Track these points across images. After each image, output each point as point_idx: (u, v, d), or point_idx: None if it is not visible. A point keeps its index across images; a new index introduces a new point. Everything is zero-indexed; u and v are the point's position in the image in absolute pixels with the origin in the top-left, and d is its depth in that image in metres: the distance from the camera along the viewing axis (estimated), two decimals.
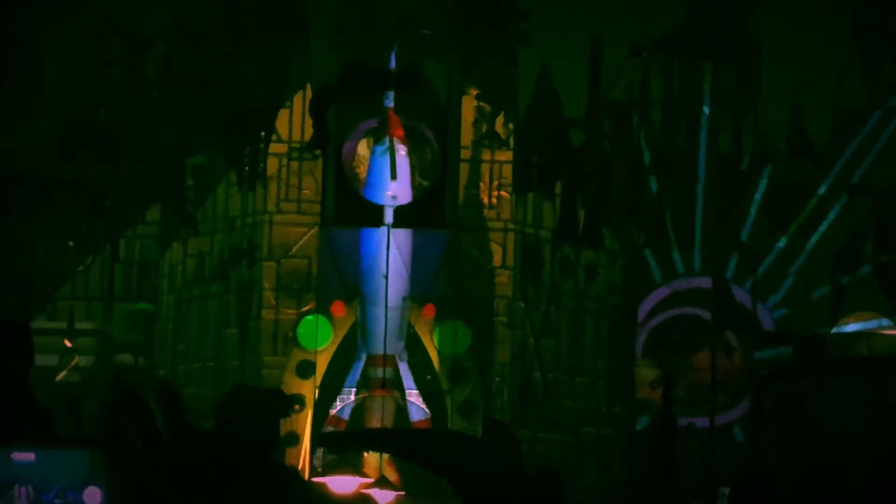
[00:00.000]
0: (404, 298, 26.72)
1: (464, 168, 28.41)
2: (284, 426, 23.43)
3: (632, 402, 27.43)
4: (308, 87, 28.66)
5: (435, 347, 26.69)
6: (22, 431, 6.78)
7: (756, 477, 10.21)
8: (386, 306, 26.25)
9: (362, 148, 27.88)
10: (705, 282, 27.97)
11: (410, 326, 26.71)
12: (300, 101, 28.73)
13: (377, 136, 27.48)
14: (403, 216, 27.39)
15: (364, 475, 22.09)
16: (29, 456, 7.35)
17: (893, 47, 30.72)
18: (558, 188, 28.75)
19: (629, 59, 30.31)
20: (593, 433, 27.60)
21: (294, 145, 28.45)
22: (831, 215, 30.07)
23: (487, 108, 28.60)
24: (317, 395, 26.18)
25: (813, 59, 31.73)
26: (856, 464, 13.50)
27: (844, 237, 29.14)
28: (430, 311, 26.72)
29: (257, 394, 7.23)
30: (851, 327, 26.95)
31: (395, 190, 26.98)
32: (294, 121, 28.59)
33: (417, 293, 26.93)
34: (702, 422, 26.34)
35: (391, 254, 26.56)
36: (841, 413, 14.28)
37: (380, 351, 26.19)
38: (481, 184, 28.41)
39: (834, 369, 16.65)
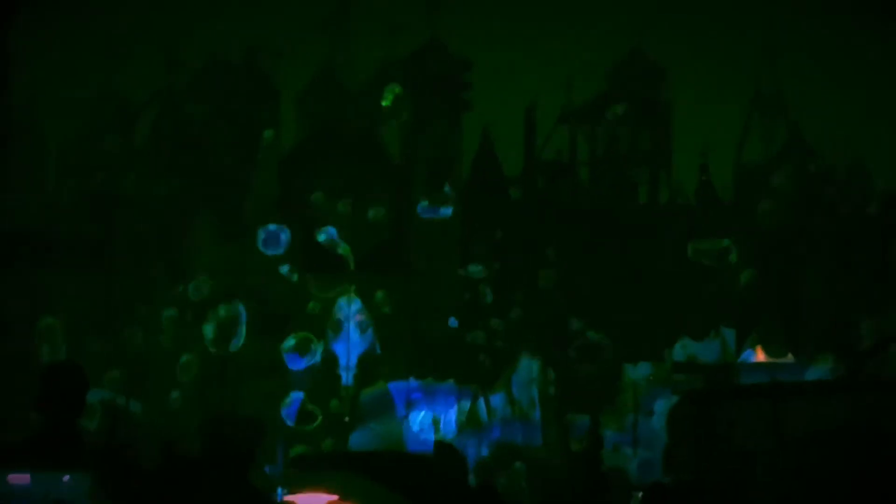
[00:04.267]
0: None
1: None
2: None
3: (564, 426, 27.52)
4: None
5: None
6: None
7: (665, 487, 10.33)
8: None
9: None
10: None
11: None
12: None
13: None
14: (363, 264, 27.50)
15: (330, 493, 22.07)
16: (24, 478, 6.70)
17: (786, 111, 31.09)
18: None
19: (559, 125, 30.59)
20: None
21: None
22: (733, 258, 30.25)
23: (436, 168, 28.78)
24: None
25: (719, 122, 32.02)
26: (761, 477, 13.67)
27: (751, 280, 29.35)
28: None
29: (234, 422, 7.20)
30: (757, 358, 27.15)
31: None
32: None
33: None
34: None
35: None
36: (747, 432, 14.42)
37: None
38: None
39: (740, 394, 16.78)
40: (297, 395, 27.05)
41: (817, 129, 31.20)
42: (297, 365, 27.00)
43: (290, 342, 26.83)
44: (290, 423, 26.80)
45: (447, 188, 28.82)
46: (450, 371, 27.59)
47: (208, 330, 26.70)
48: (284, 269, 27.79)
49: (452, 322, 28.35)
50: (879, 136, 31.99)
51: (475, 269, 28.82)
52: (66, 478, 6.51)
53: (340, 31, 30.53)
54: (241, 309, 26.80)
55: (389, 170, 29.34)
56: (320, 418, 27.08)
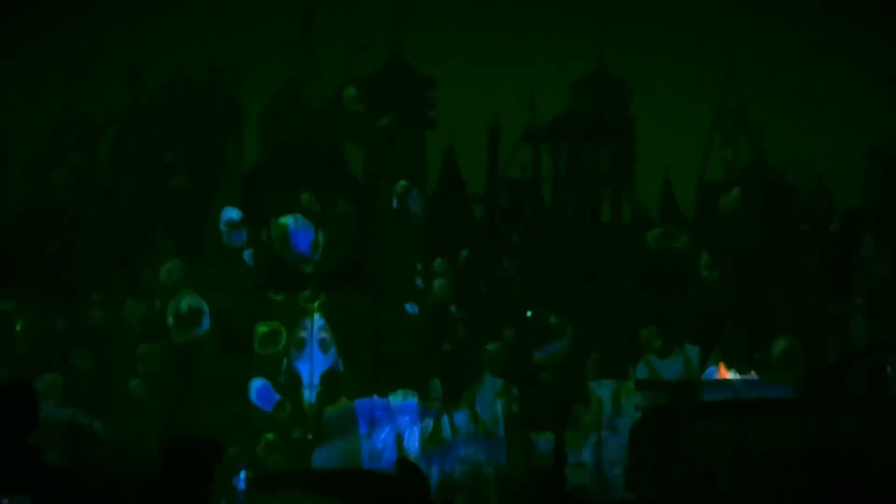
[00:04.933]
0: None
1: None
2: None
3: (528, 443, 27.56)
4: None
5: None
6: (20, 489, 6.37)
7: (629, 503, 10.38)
8: None
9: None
10: None
11: None
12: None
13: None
14: (325, 282, 27.53)
15: None
16: None
17: (748, 131, 31.25)
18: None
19: (522, 144, 30.66)
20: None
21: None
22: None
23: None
24: None
25: (682, 140, 32.19)
26: (721, 495, 13.73)
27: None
28: None
29: (193, 442, 7.23)
30: (720, 375, 27.24)
31: None
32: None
33: None
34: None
35: None
36: (709, 449, 14.48)
37: None
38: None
39: (702, 412, 16.84)
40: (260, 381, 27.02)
41: (779, 148, 31.42)
42: (262, 393, 27.04)
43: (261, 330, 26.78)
44: (258, 403, 26.71)
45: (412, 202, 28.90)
46: (413, 389, 27.62)
47: (170, 318, 26.70)
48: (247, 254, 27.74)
49: (412, 308, 28.33)
50: (840, 155, 32.19)
51: (439, 285, 28.87)
52: (5, 501, 6.48)
53: (304, 50, 30.55)
54: (204, 304, 26.85)
55: (353, 188, 29.36)
56: (289, 407, 27.03)
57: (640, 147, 31.11)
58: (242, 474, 25.41)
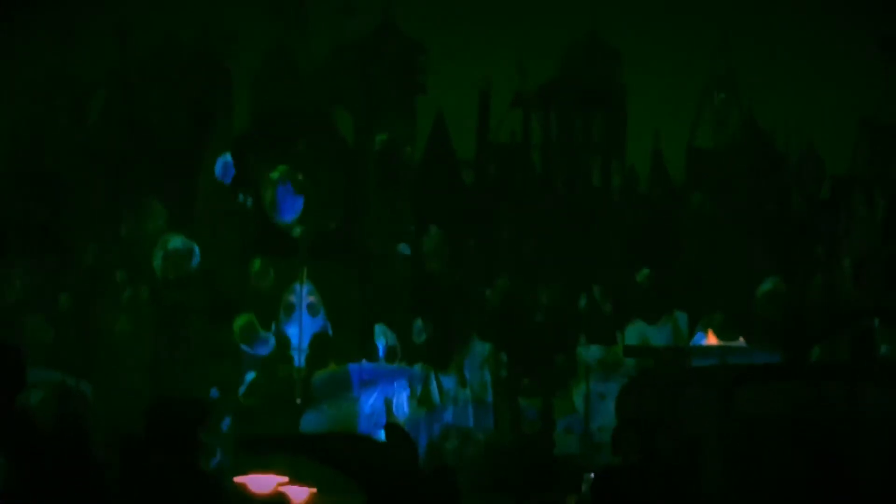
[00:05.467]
0: None
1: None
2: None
3: (516, 409, 27.63)
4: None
5: None
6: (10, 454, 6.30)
7: (616, 470, 10.44)
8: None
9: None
10: None
11: None
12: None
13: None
14: (314, 247, 27.52)
15: (281, 474, 22.07)
16: None
17: (739, 97, 31.25)
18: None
19: (512, 109, 30.63)
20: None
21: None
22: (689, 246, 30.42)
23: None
24: None
25: (674, 106, 32.18)
26: (706, 459, 13.79)
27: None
28: None
29: (176, 404, 7.11)
30: (710, 342, 27.33)
31: None
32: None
33: None
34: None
35: None
36: (696, 416, 14.53)
37: None
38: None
39: (690, 378, 16.90)
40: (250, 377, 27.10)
41: (770, 115, 31.40)
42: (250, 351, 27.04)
43: (238, 323, 26.84)
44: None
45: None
46: (402, 353, 27.66)
47: (157, 258, 26.65)
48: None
49: (404, 248, 28.32)
50: (831, 122, 32.20)
51: (429, 249, 28.88)
52: None
53: (294, 14, 30.45)
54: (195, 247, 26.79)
55: (343, 152, 29.33)
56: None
57: (632, 113, 31.14)
58: (227, 420, 25.50)
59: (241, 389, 26.71)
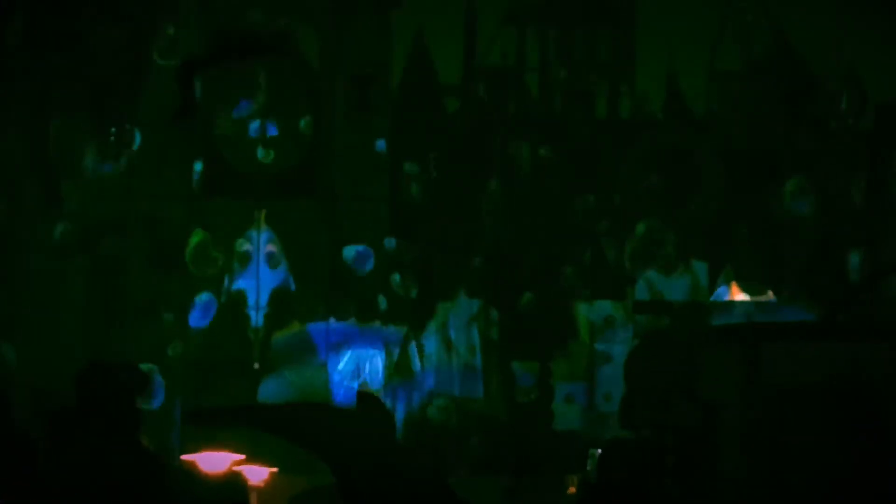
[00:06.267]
0: None
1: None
2: None
3: (509, 375, 27.78)
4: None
5: None
6: None
7: (625, 443, 10.52)
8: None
9: None
10: None
11: None
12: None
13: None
14: (274, 187, 27.52)
15: (236, 451, 22.14)
16: None
17: (767, 12, 31.24)
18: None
19: (504, 26, 30.60)
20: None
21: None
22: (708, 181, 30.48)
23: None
24: None
25: (690, 23, 32.14)
26: (727, 431, 13.89)
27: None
28: None
29: (108, 370, 6.99)
30: (733, 296, 27.46)
31: None
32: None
33: None
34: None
35: None
36: (714, 381, 14.64)
37: None
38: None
39: (709, 338, 17.00)
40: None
41: (803, 33, 31.40)
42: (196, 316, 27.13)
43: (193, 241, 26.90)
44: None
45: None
46: (376, 311, 27.75)
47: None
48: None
49: (389, 243, 28.41)
50: (875, 41, 32.21)
51: (407, 190, 28.95)
52: None
53: None
54: None
55: (307, 77, 29.30)
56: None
57: (642, 30, 31.12)
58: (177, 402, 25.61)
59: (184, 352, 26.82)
